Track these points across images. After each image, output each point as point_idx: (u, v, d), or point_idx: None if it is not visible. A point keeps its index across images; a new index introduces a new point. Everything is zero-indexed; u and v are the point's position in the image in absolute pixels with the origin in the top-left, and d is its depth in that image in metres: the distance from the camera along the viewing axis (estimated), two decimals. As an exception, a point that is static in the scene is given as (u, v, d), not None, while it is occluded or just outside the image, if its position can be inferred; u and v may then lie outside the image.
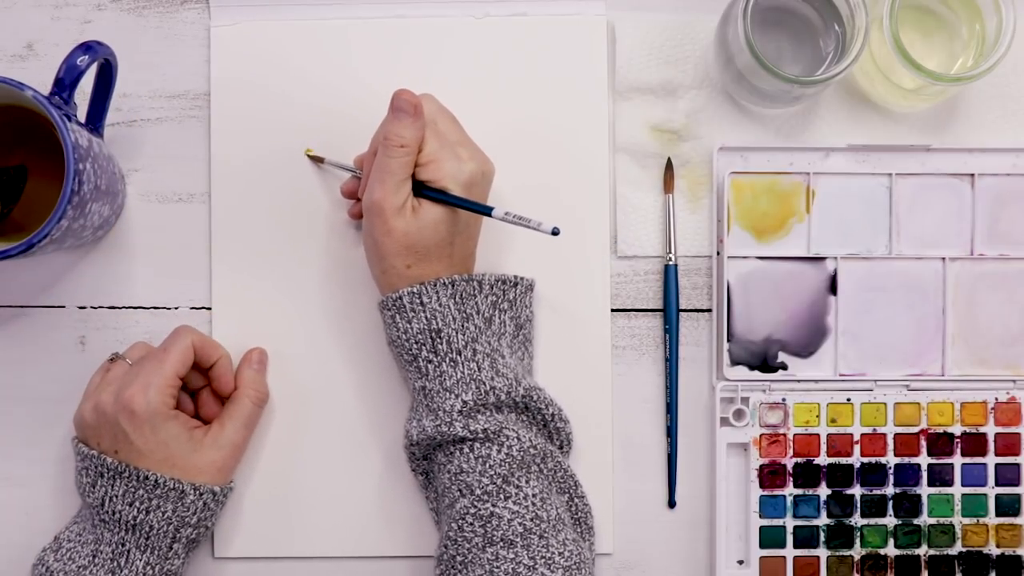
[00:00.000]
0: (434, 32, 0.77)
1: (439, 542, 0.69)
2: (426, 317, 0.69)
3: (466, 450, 0.68)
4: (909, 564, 0.75)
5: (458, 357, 0.69)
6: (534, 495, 0.68)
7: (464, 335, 0.69)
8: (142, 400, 0.69)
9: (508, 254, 0.76)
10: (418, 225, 0.68)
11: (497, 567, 0.66)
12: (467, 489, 0.68)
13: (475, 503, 0.67)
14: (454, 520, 0.68)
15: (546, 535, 0.67)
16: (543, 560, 0.66)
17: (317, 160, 0.76)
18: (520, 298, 0.73)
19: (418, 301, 0.69)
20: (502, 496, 0.67)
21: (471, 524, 0.67)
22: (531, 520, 0.67)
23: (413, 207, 0.68)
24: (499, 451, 0.68)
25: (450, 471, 0.69)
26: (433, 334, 0.69)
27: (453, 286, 0.69)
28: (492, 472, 0.68)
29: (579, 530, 0.72)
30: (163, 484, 0.69)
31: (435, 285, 0.69)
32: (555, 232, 0.66)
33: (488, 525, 0.67)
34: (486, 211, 0.68)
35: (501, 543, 0.67)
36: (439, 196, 0.68)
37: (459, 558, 0.67)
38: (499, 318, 0.72)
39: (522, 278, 0.73)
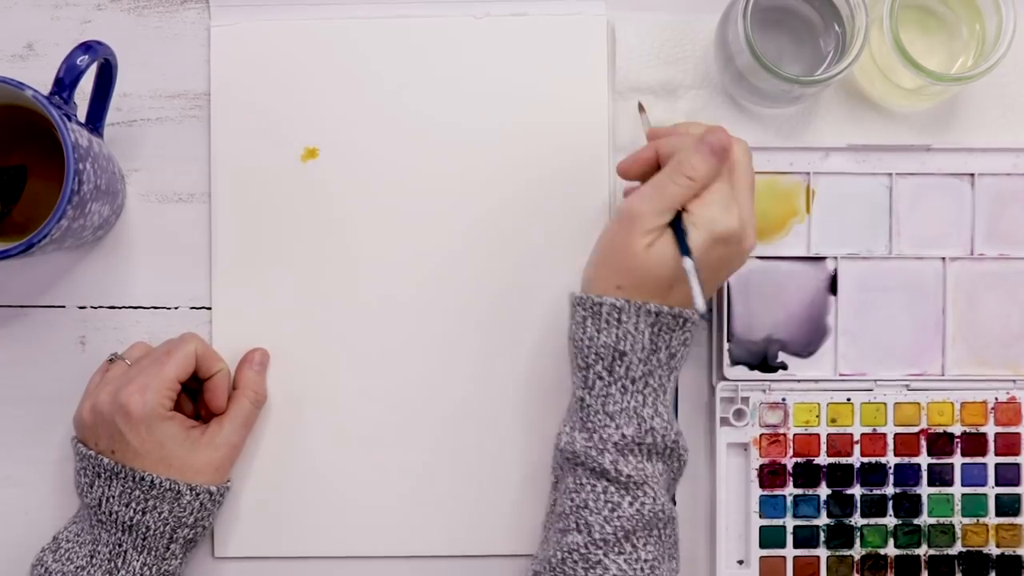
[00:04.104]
0: (434, 32, 0.77)
1: (538, 554, 0.68)
2: (617, 335, 0.66)
3: (599, 489, 0.65)
4: (909, 564, 0.75)
5: (630, 385, 0.66)
6: (646, 560, 0.65)
7: (645, 366, 0.66)
8: (139, 401, 0.69)
9: (508, 253, 0.76)
10: (653, 253, 0.64)
11: None
12: (585, 527, 0.65)
13: (588, 545, 0.65)
14: (561, 549, 0.65)
15: None
16: None
17: (642, 111, 0.73)
18: (695, 334, 0.69)
19: (615, 317, 0.66)
20: (616, 550, 0.65)
21: (575, 562, 0.65)
22: None
23: (659, 234, 0.65)
24: (631, 504, 0.65)
25: (574, 500, 0.66)
26: (616, 354, 0.66)
27: (657, 316, 0.65)
28: (617, 523, 0.65)
29: None
30: (159, 485, 0.69)
31: (639, 309, 0.65)
32: (703, 317, 0.65)
33: (592, 572, 0.64)
34: (685, 255, 0.64)
35: None
36: (677, 232, 0.65)
37: None
38: (681, 353, 0.68)
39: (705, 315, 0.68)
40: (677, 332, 0.66)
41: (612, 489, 0.65)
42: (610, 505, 0.65)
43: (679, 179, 0.65)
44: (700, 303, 0.64)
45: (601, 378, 0.66)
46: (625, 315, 0.65)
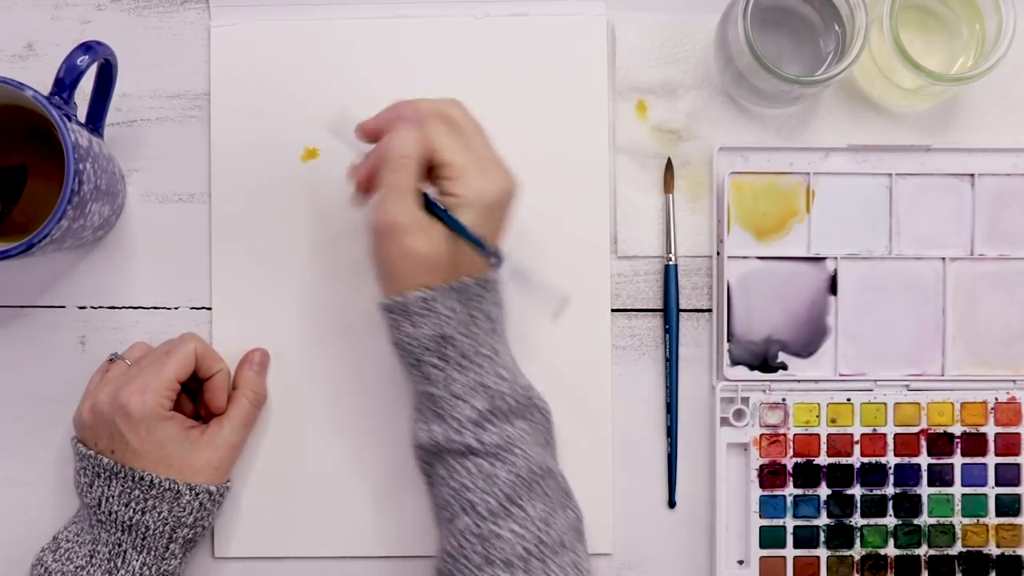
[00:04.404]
0: (434, 32, 0.77)
1: (438, 553, 0.68)
2: (435, 323, 0.67)
3: (472, 468, 0.66)
4: (909, 564, 0.75)
5: (464, 361, 0.67)
6: (537, 517, 0.66)
7: (470, 339, 0.67)
8: (138, 401, 0.69)
9: (510, 252, 0.76)
10: (433, 242, 0.65)
11: None
12: (470, 507, 0.66)
13: (477, 522, 0.65)
14: (454, 535, 0.66)
15: (546, 559, 0.65)
16: None
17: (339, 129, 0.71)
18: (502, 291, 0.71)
19: (427, 308, 0.66)
20: (504, 515, 0.65)
21: (471, 543, 0.65)
22: (533, 544, 0.65)
23: (420, 225, 0.65)
24: (505, 469, 0.66)
25: (452, 487, 0.67)
26: (440, 340, 0.67)
27: (462, 290, 0.67)
28: (497, 492, 0.66)
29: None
30: (159, 484, 0.69)
31: (445, 291, 0.66)
32: (561, 307, 0.66)
33: (489, 545, 0.65)
34: (495, 263, 0.66)
35: (501, 564, 0.65)
36: (448, 221, 0.65)
37: (457, 575, 0.66)
38: (495, 314, 0.70)
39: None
40: (487, 295, 0.68)
41: (483, 462, 0.66)
42: (486, 478, 0.66)
43: (396, 164, 0.65)
44: (553, 299, 0.67)
45: (436, 367, 0.67)
46: (435, 301, 0.66)
